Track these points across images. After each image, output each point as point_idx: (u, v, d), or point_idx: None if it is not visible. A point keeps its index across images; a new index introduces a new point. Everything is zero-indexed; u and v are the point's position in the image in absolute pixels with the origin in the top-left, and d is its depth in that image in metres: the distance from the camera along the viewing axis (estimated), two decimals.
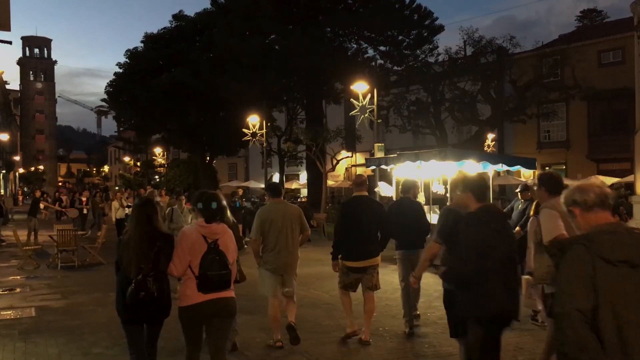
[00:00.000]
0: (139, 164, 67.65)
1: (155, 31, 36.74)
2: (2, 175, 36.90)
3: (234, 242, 4.66)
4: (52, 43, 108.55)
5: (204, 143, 37.50)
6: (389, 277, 10.19)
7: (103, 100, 43.05)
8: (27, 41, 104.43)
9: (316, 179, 28.89)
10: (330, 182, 32.83)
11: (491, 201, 14.53)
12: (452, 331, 5.13)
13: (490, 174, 13.46)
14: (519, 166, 13.35)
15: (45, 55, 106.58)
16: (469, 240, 4.15)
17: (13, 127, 57.08)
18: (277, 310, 6.55)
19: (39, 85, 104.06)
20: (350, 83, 23.18)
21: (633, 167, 28.13)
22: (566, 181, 21.99)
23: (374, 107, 21.00)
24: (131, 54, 36.14)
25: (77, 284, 11.16)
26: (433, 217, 12.53)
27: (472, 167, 12.84)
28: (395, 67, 30.80)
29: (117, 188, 47.56)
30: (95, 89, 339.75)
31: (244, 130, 28.75)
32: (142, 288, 4.29)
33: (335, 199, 34.14)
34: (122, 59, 37.04)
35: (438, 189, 13.62)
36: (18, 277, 12.40)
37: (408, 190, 8.07)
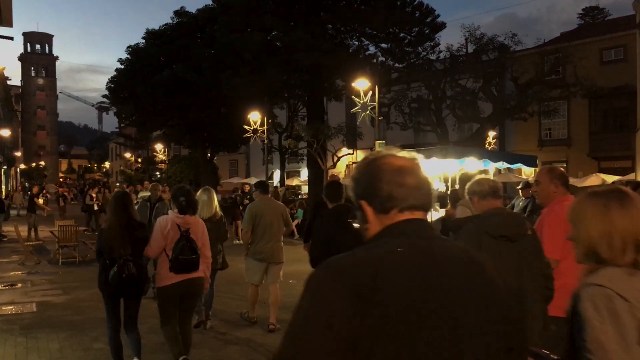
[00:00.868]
0: (140, 160, 67.68)
1: (156, 27, 36.70)
2: (4, 171, 36.91)
3: (205, 233, 5.50)
4: (54, 39, 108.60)
5: (205, 139, 37.49)
6: None
7: (104, 96, 42.98)
8: (29, 37, 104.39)
9: (317, 176, 28.87)
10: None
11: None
12: None
13: (492, 171, 13.46)
14: (520, 164, 13.36)
15: (47, 51, 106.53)
16: (319, 232, 5.55)
17: (14, 123, 57.08)
18: (256, 295, 7.56)
19: (40, 81, 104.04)
20: (351, 80, 23.19)
21: (634, 165, 28.25)
22: None
23: (375, 104, 21.00)
24: (132, 50, 36.10)
25: (78, 280, 11.18)
26: (434, 215, 12.53)
27: (473, 165, 12.84)
28: (397, 64, 30.77)
29: (117, 184, 47.60)
30: (97, 85, 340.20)
31: (245, 126, 28.75)
32: (123, 270, 5.02)
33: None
34: (124, 55, 37.01)
35: (439, 186, 13.62)
36: (19, 272, 12.43)
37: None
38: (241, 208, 18.42)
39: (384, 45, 30.10)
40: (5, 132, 34.03)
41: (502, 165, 13.15)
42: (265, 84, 28.14)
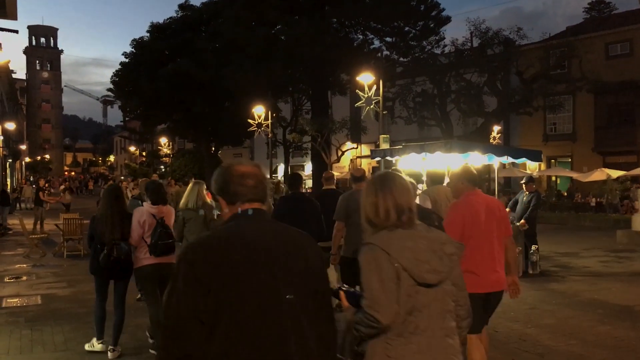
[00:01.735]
0: (144, 153, 67.78)
1: (161, 21, 36.72)
2: (9, 164, 37.03)
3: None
4: (58, 32, 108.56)
5: (209, 133, 37.52)
6: None
7: (109, 89, 43.03)
8: (34, 30, 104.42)
9: (321, 170, 28.85)
10: (335, 174, 32.77)
11: (496, 195, 14.50)
12: None
13: (496, 166, 13.41)
14: (524, 158, 13.26)
15: (52, 45, 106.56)
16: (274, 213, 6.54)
17: (19, 116, 57.22)
18: None
19: (45, 74, 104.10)
20: (356, 74, 23.15)
21: (639, 160, 28.17)
22: (572, 174, 21.85)
23: (380, 98, 20.98)
24: (137, 43, 36.11)
25: (83, 273, 11.20)
26: None
27: (477, 159, 12.81)
28: (401, 59, 30.71)
29: (122, 177, 47.70)
30: (101, 78, 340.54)
31: (249, 120, 28.75)
32: (112, 252, 5.72)
33: (340, 190, 34.13)
34: (128, 49, 37.06)
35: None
36: (24, 265, 12.49)
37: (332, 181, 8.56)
38: None
39: (388, 39, 30.04)
40: (11, 126, 34.10)
41: (507, 159, 13.08)
42: (270, 78, 28.12)
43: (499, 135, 30.69)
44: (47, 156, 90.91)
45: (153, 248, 5.70)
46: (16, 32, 16.51)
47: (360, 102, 21.39)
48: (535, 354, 6.02)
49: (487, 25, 27.82)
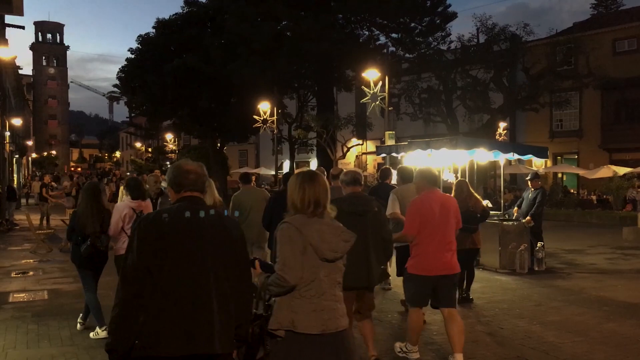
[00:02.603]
0: (150, 149, 67.90)
1: (167, 17, 36.68)
2: (16, 160, 37.15)
3: None
4: (65, 28, 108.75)
5: (214, 129, 37.50)
6: None
7: (115, 85, 43.10)
8: (40, 26, 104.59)
9: (327, 166, 28.81)
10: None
11: (502, 191, 14.43)
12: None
13: (502, 162, 13.38)
14: (530, 155, 13.23)
15: (58, 41, 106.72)
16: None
17: (26, 112, 57.36)
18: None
19: (52, 70, 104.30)
20: (361, 70, 23.12)
21: None
22: (578, 170, 21.77)
23: (385, 94, 20.95)
24: (143, 39, 36.10)
25: None
26: None
27: (483, 156, 12.78)
28: (407, 55, 30.63)
29: (128, 174, 47.85)
30: (108, 74, 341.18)
31: (255, 116, 28.75)
32: (95, 242, 6.27)
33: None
34: (134, 45, 37.03)
35: (449, 177, 13.56)
36: (31, 260, 12.56)
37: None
38: None
39: (394, 35, 29.96)
40: (17, 121, 34.19)
41: (513, 156, 13.05)
42: (275, 73, 28.09)
43: (505, 131, 30.60)
44: (54, 152, 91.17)
45: None
46: (23, 28, 16.59)
47: (365, 99, 21.36)
48: (540, 350, 6.02)
49: (493, 21, 27.74)
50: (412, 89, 29.70)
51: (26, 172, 58.61)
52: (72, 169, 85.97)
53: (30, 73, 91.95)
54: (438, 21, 28.91)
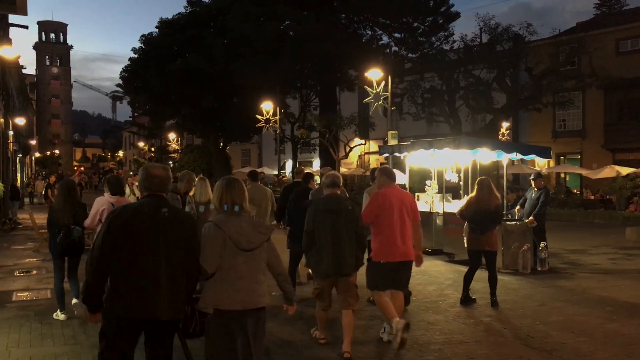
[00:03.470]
0: (153, 149, 67.91)
1: (170, 16, 36.74)
2: (19, 159, 37.20)
3: None
4: (68, 28, 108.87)
5: (217, 129, 37.57)
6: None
7: (118, 85, 43.15)
8: (43, 26, 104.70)
9: (329, 166, 28.88)
10: (343, 170, 32.81)
11: (504, 191, 14.43)
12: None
13: (505, 162, 13.37)
14: (533, 155, 13.22)
15: (61, 40, 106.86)
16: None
17: (29, 111, 57.38)
18: None
19: (55, 70, 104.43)
20: (364, 70, 23.11)
21: None
22: (581, 171, 21.73)
23: (388, 94, 20.94)
24: (146, 39, 36.18)
25: None
26: (446, 206, 12.51)
27: (486, 155, 12.78)
28: (410, 55, 30.62)
29: (131, 173, 47.91)
30: (111, 74, 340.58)
31: (258, 116, 28.76)
32: (68, 236, 6.94)
33: (348, 186, 34.12)
34: (138, 45, 37.10)
35: (451, 177, 13.56)
36: (34, 259, 12.58)
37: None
38: None
39: (397, 35, 29.96)
40: (21, 121, 34.21)
41: (516, 156, 13.04)
42: (278, 73, 28.11)
43: (508, 131, 30.57)
44: (57, 151, 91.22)
45: None
46: (26, 27, 16.59)
47: (368, 98, 21.36)
48: (543, 350, 6.01)
49: (496, 21, 27.72)
50: (415, 88, 29.68)
51: (29, 171, 58.69)
52: (75, 168, 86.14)
53: (34, 72, 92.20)
54: (441, 21, 28.90)
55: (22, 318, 7.37)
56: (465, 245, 8.25)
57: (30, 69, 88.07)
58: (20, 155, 37.78)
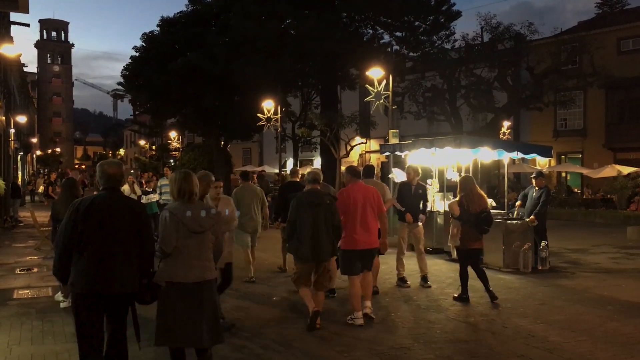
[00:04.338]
0: (154, 147, 67.94)
1: (171, 15, 36.68)
2: (20, 157, 37.22)
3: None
4: (70, 26, 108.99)
5: (218, 127, 37.50)
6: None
7: (119, 83, 43.11)
8: (45, 24, 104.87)
9: (330, 165, 28.86)
10: (344, 168, 32.76)
11: (505, 191, 14.40)
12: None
13: (506, 161, 13.37)
14: (534, 154, 13.22)
15: (63, 39, 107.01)
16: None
17: (31, 109, 57.43)
18: (248, 255, 9.72)
19: (56, 68, 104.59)
20: (365, 69, 23.07)
21: None
22: (582, 170, 21.77)
23: (389, 93, 20.92)
24: (147, 37, 36.12)
25: None
26: (447, 205, 12.50)
27: (487, 155, 12.78)
28: (411, 53, 30.55)
29: (132, 171, 47.87)
30: (112, 72, 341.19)
31: (259, 115, 28.74)
32: None
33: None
34: (139, 43, 37.03)
35: (452, 176, 13.57)
36: (35, 257, 12.61)
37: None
38: None
39: (398, 33, 29.89)
40: (22, 119, 34.21)
41: (517, 155, 13.04)
42: (279, 72, 28.08)
43: (509, 130, 30.54)
44: (58, 149, 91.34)
45: None
46: (28, 25, 16.60)
47: (369, 97, 21.33)
48: (544, 349, 6.01)
49: (497, 20, 27.65)
50: (416, 87, 29.64)
51: (30, 169, 58.72)
52: (77, 166, 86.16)
53: (35, 71, 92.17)
54: (442, 20, 28.83)
55: (23, 316, 7.38)
56: (453, 244, 8.45)
57: (31, 67, 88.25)
58: (21, 153, 37.81)
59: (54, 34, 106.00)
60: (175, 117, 41.82)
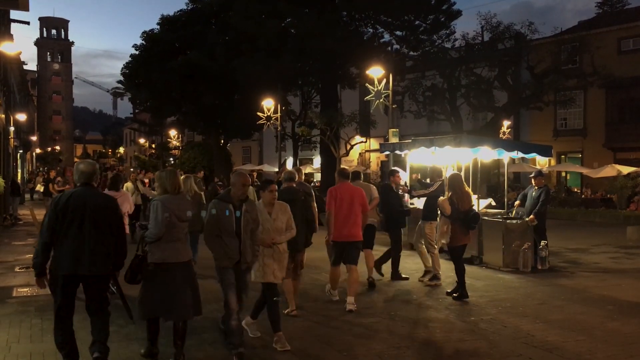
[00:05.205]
0: (154, 146, 67.92)
1: (171, 13, 36.68)
2: (20, 155, 37.20)
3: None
4: (70, 24, 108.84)
5: (218, 126, 37.52)
6: (411, 264, 10.19)
7: (119, 82, 43.14)
8: (45, 22, 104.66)
9: (330, 164, 28.85)
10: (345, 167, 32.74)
11: (505, 191, 14.39)
12: None
13: (506, 161, 13.36)
14: (534, 153, 13.20)
15: (63, 37, 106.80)
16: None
17: (30, 107, 57.43)
18: None
19: (56, 66, 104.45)
20: (365, 68, 23.05)
21: None
22: (582, 169, 21.73)
23: (389, 92, 20.90)
24: (147, 36, 36.11)
25: None
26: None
27: (487, 154, 12.77)
28: (411, 53, 30.54)
29: (132, 170, 47.84)
30: (112, 70, 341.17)
31: (259, 113, 28.74)
32: None
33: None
34: (139, 41, 37.03)
35: None
36: None
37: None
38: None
39: (398, 33, 29.86)
40: (22, 117, 34.18)
41: (517, 154, 13.03)
42: (279, 71, 28.06)
43: (509, 130, 30.54)
44: (58, 147, 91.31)
45: None
46: (27, 23, 16.61)
47: (369, 96, 21.30)
48: (543, 349, 6.01)
49: (498, 19, 27.64)
50: (416, 86, 29.63)
51: (30, 167, 58.70)
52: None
53: (35, 69, 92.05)
54: (442, 19, 28.80)
55: (23, 314, 7.38)
56: (444, 240, 8.54)
57: (31, 65, 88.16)
58: (21, 151, 37.77)
59: (54, 32, 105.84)
60: (175, 116, 41.84)
